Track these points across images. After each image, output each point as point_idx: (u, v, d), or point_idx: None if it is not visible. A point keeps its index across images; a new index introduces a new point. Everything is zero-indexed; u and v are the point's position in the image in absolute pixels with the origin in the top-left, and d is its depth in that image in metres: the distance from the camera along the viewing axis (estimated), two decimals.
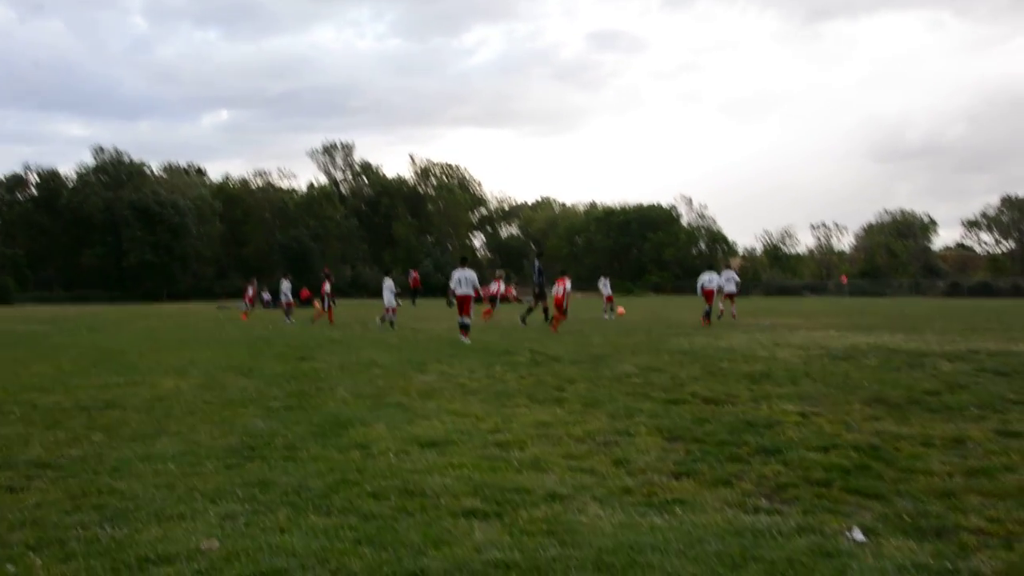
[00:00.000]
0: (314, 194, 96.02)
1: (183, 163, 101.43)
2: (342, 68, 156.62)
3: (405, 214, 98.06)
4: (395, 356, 14.49)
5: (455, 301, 18.62)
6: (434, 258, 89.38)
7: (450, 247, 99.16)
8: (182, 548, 4.31)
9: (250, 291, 35.88)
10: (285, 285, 31.92)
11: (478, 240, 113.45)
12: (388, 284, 24.97)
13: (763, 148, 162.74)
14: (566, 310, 22.11)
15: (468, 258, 23.74)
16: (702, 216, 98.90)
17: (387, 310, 24.56)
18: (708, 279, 25.11)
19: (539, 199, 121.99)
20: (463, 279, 18.77)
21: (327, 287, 28.76)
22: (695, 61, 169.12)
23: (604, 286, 31.52)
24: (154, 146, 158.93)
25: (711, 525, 4.62)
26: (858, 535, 4.44)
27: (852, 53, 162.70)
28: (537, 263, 26.27)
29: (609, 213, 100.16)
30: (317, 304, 31.11)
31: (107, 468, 6.16)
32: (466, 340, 17.35)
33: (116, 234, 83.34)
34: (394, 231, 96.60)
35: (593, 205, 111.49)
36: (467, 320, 18.22)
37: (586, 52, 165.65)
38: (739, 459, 6.25)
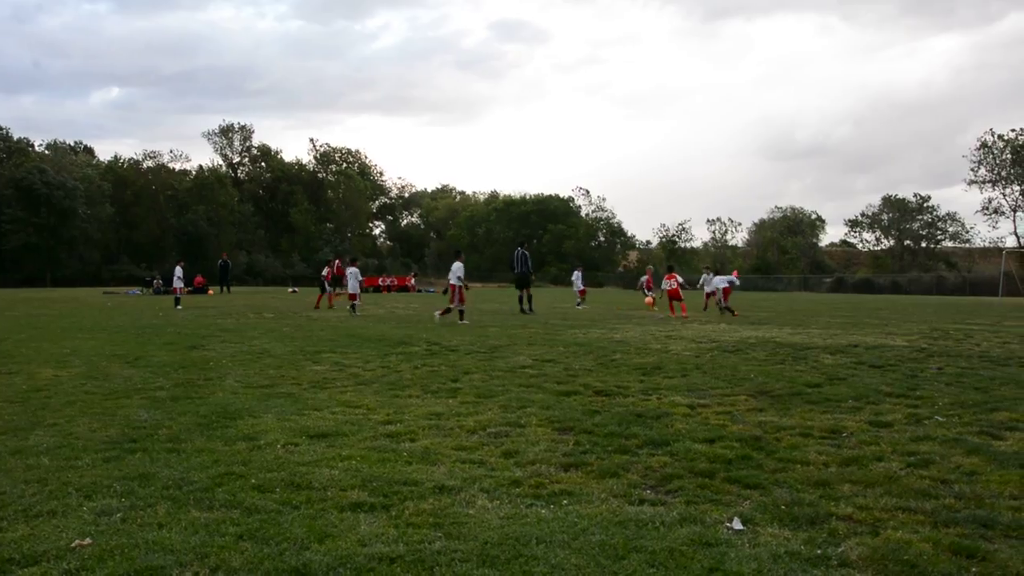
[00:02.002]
0: (208, 177, 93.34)
1: (70, 141, 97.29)
2: (241, 48, 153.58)
3: (304, 200, 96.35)
4: (289, 345, 14.25)
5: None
6: (333, 246, 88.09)
7: (350, 235, 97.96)
8: (51, 547, 4.14)
9: (326, 271, 32.82)
10: (177, 271, 31.05)
11: (378, 228, 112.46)
12: (354, 272, 25.71)
13: (661, 143, 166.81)
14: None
15: (461, 251, 24.53)
16: (601, 208, 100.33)
17: (352, 296, 25.36)
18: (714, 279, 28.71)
19: (440, 187, 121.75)
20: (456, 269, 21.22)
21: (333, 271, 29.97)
22: (597, 54, 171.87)
23: (577, 279, 33.62)
24: (38, 123, 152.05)
25: (596, 516, 4.69)
26: (737, 524, 4.57)
27: (747, 53, 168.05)
28: (522, 250, 25.80)
29: (510, 203, 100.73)
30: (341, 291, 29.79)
31: None
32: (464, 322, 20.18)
33: None
34: (292, 218, 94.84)
35: (494, 195, 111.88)
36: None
37: (489, 41, 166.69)
38: (627, 451, 6.35)
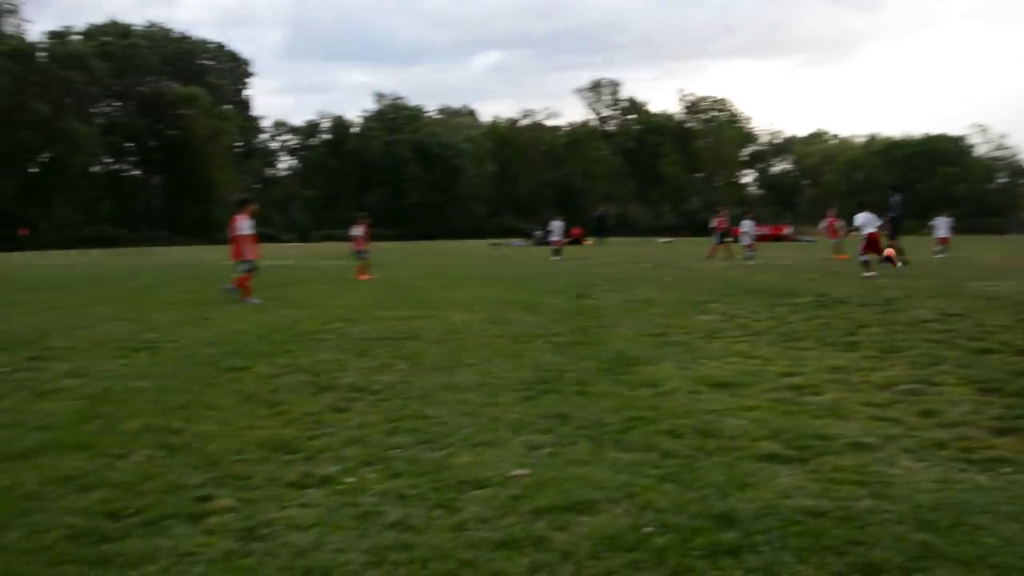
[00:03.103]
0: (580, 133, 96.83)
1: (456, 105, 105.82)
2: (606, 3, 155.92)
3: (673, 151, 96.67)
4: (673, 295, 14.41)
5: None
6: (703, 196, 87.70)
7: (719, 184, 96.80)
8: (494, 474, 4.56)
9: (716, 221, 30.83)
10: (556, 224, 32.76)
11: (748, 177, 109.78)
12: (749, 224, 27.31)
13: None
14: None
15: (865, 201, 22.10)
16: (1001, 147, 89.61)
17: (749, 247, 26.54)
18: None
19: (813, 132, 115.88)
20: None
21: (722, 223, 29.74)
22: None
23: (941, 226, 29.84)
24: (429, 90, 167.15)
25: None
26: None
27: None
28: (899, 197, 23.74)
29: (891, 146, 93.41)
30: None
31: (415, 395, 6.62)
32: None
33: (397, 175, 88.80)
34: (661, 169, 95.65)
35: (873, 138, 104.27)
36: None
37: None
38: None
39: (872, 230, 19.34)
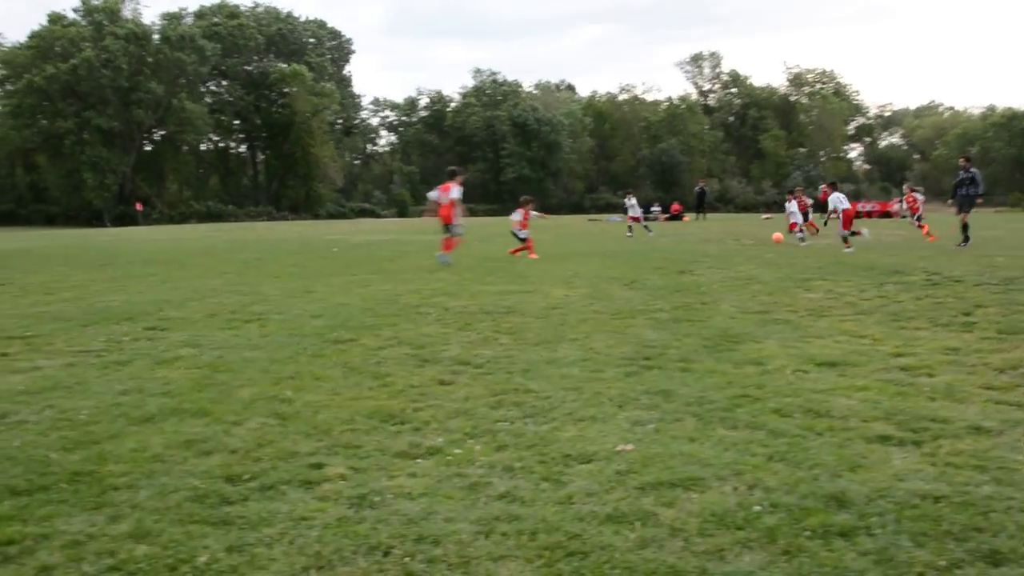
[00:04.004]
0: (680, 107, 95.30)
1: (555, 80, 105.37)
2: None
3: (775, 125, 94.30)
4: (776, 272, 14.11)
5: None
6: (804, 171, 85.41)
7: (823, 159, 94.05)
8: (599, 448, 4.57)
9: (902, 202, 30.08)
10: (631, 200, 31.87)
11: (854, 151, 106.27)
12: (838, 197, 24.51)
13: None
14: None
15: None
16: None
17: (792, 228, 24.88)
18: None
19: (925, 104, 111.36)
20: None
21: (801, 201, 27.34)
22: None
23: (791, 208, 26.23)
24: (528, 65, 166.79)
25: None
26: None
27: None
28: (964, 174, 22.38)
29: (1012, 117, 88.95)
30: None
31: (519, 369, 6.67)
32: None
33: (495, 150, 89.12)
34: (762, 144, 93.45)
35: (991, 109, 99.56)
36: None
37: None
38: None
39: (847, 207, 20.76)
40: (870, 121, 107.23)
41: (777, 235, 23.71)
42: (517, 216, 20.23)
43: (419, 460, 4.47)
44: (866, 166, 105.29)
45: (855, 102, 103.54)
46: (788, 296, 10.97)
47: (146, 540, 3.50)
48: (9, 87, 77.31)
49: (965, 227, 20.36)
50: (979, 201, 20.87)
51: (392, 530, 3.54)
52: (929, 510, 3.66)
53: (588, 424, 5.04)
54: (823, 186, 28.68)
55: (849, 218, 20.66)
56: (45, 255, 24.21)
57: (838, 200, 20.90)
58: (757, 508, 3.69)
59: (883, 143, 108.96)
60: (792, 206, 25.63)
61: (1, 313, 10.69)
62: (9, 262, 20.84)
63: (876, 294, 10.99)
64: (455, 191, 16.73)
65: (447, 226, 16.92)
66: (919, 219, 25.55)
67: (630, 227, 29.81)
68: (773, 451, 4.46)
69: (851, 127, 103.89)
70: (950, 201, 21.75)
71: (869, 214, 53.23)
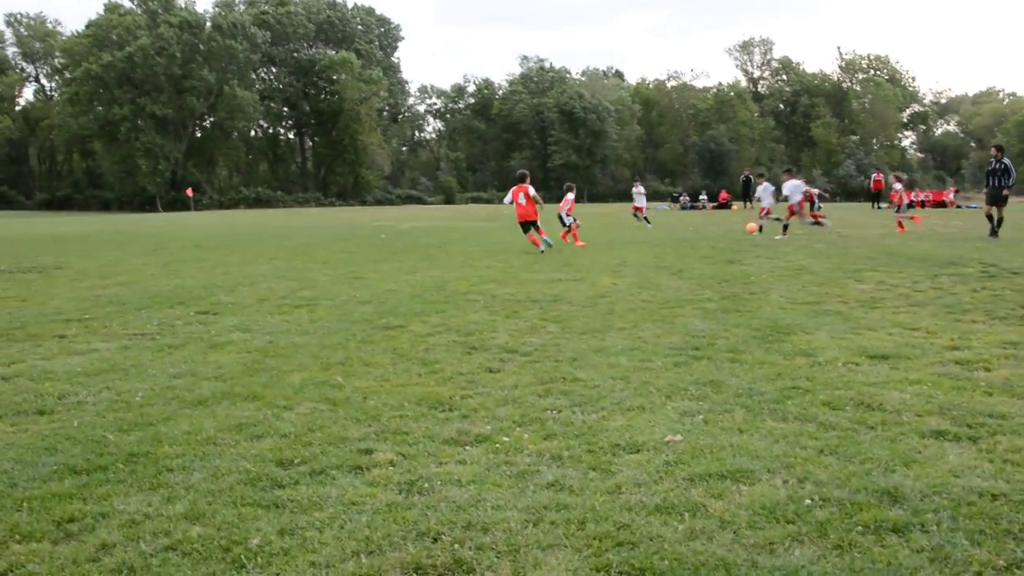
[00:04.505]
0: (729, 94, 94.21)
1: (602, 67, 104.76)
2: None
3: (826, 113, 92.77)
4: (826, 262, 13.91)
5: None
6: (856, 160, 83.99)
7: (876, 147, 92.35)
8: (647, 439, 4.55)
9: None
10: (639, 188, 31.18)
11: (908, 140, 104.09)
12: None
13: None
14: None
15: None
16: None
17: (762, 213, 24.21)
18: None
19: (984, 91, 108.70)
20: None
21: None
22: None
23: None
24: (575, 52, 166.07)
25: None
26: None
27: None
28: (995, 163, 21.60)
29: None
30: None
31: (566, 357, 6.67)
32: None
33: (542, 138, 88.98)
34: (813, 132, 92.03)
35: None
36: None
37: None
38: None
39: (800, 198, 20.90)
40: (925, 108, 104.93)
41: (751, 225, 23.41)
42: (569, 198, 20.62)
43: (467, 447, 4.49)
44: (920, 155, 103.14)
45: (910, 88, 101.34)
46: (839, 287, 10.81)
47: (200, 521, 3.57)
48: (67, 75, 78.96)
49: (991, 218, 19.56)
50: (1005, 193, 19.42)
51: (441, 516, 3.56)
52: (987, 508, 3.58)
53: (636, 414, 5.03)
54: (874, 174, 28.13)
55: (793, 212, 21.17)
56: (100, 240, 24.73)
57: (793, 188, 21.20)
58: (808, 502, 3.65)
59: (939, 131, 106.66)
60: (762, 190, 25.22)
61: (60, 296, 10.94)
62: (67, 247, 21.32)
63: (930, 286, 10.79)
64: (531, 191, 17.12)
65: (530, 223, 17.24)
66: (899, 210, 24.65)
67: (635, 215, 29.94)
68: (824, 444, 4.40)
69: (905, 114, 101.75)
70: (985, 190, 20.88)
71: (923, 204, 52.18)
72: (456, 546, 3.31)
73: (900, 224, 23.36)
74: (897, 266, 13.12)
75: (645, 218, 29.60)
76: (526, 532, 3.41)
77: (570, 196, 20.44)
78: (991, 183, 19.75)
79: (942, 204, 52.01)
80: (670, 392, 5.51)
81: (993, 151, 20.60)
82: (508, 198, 17.78)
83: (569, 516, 3.54)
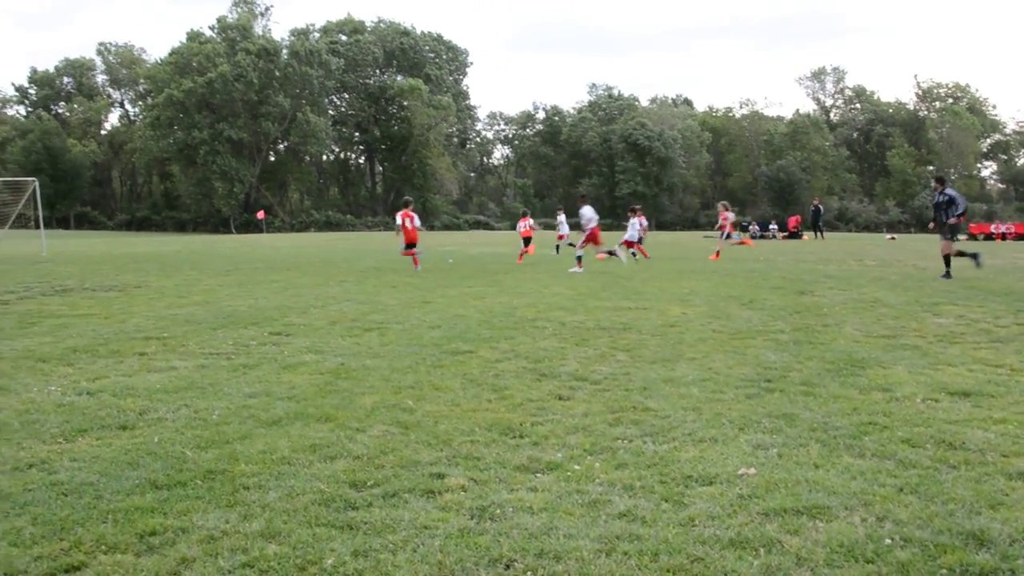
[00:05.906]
0: (803, 123, 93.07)
1: (671, 95, 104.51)
2: None
3: (902, 142, 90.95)
4: (902, 295, 13.59)
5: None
6: (931, 190, 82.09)
7: (954, 177, 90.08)
8: (720, 471, 4.49)
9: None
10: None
11: (988, 169, 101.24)
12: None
13: None
14: None
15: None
16: None
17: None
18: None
19: None
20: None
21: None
22: None
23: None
24: (644, 81, 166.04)
25: None
26: None
27: None
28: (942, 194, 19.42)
29: None
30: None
31: (636, 387, 6.62)
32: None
33: (610, 166, 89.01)
34: (888, 161, 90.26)
35: None
36: None
37: None
38: None
39: (595, 225, 20.84)
40: (1007, 137, 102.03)
41: (600, 255, 23.82)
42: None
43: (538, 474, 4.48)
44: (1001, 185, 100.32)
45: (991, 117, 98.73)
46: (916, 320, 10.55)
47: (276, 539, 3.62)
48: (150, 100, 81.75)
49: (947, 258, 17.51)
50: (952, 222, 17.31)
51: (513, 543, 3.56)
52: None
53: (708, 445, 4.97)
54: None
55: (593, 236, 20.80)
56: (177, 260, 25.39)
57: (590, 216, 20.99)
58: (888, 541, 3.56)
59: (1021, 160, 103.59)
60: (632, 224, 25.26)
61: (139, 314, 11.26)
62: (145, 266, 21.95)
63: (1013, 321, 10.46)
64: (416, 218, 20.58)
65: (412, 244, 20.30)
66: (728, 237, 26.43)
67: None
68: (904, 482, 4.29)
69: (985, 144, 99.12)
70: (931, 226, 18.91)
71: (1003, 236, 50.79)
72: (529, 574, 3.31)
73: (717, 253, 25.28)
74: (977, 300, 12.75)
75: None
76: (599, 562, 3.39)
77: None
78: (941, 220, 17.80)
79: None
80: (743, 424, 5.43)
81: (934, 184, 18.83)
82: (399, 220, 20.28)
83: (642, 547, 3.51)
